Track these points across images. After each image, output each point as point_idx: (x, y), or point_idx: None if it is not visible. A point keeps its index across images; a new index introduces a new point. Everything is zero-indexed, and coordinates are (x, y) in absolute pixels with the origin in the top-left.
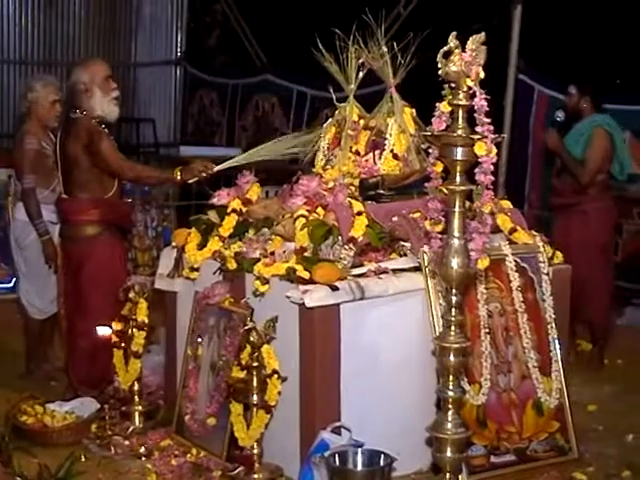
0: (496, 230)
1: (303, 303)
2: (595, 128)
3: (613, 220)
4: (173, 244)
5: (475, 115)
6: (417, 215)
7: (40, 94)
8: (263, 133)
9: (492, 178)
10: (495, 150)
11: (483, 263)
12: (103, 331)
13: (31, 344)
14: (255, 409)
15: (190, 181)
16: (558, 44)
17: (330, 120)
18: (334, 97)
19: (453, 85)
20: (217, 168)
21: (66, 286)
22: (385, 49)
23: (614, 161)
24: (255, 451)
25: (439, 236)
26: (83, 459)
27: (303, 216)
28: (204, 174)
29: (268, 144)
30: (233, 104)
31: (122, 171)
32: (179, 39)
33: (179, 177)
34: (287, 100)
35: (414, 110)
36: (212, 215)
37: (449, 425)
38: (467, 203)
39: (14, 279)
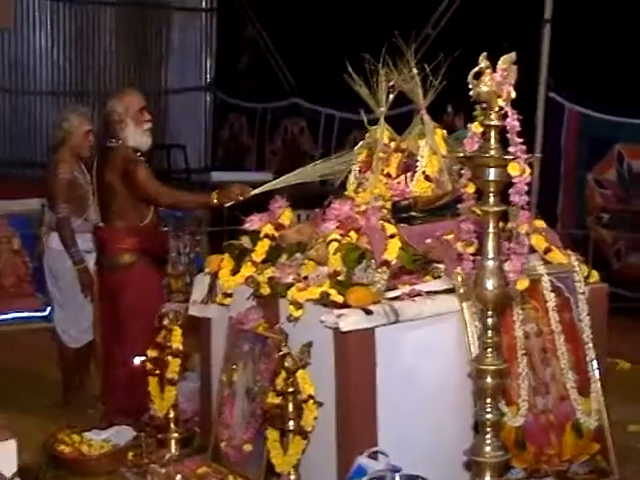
0: (531, 250)
1: (337, 327)
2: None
3: None
4: (206, 270)
5: (507, 135)
6: (450, 237)
7: (74, 124)
8: (292, 157)
9: (527, 198)
10: (529, 170)
11: (522, 284)
12: (139, 359)
13: (67, 373)
14: (291, 435)
15: (227, 205)
16: (588, 61)
17: (361, 143)
18: (365, 120)
19: (484, 105)
20: (254, 192)
21: (102, 314)
22: (415, 70)
23: None
24: (292, 477)
25: (471, 258)
26: None
27: (336, 240)
28: (241, 198)
29: (303, 168)
30: (262, 128)
31: (160, 197)
32: (209, 65)
33: (216, 201)
34: (315, 123)
35: (445, 131)
36: (245, 241)
37: (487, 448)
38: (501, 224)
39: (49, 308)
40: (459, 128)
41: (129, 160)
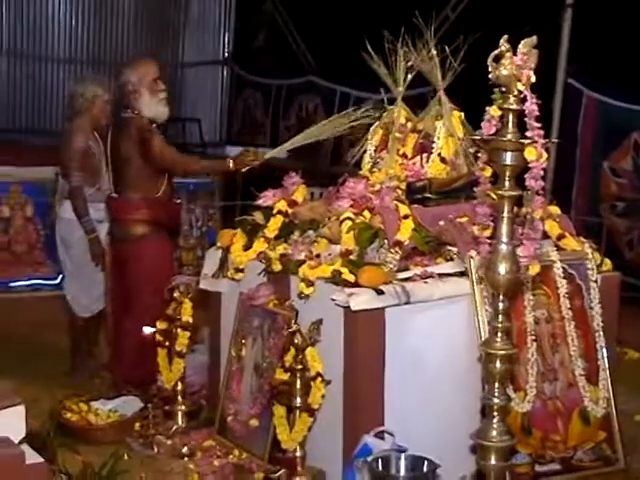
0: (544, 236)
1: (348, 306)
2: None
3: None
4: (218, 244)
5: (525, 119)
6: (464, 220)
7: (97, 93)
8: None
9: (542, 184)
10: (545, 155)
11: (534, 269)
12: (149, 330)
13: (76, 341)
14: (298, 412)
15: (243, 170)
16: (608, 48)
17: (377, 122)
18: (385, 99)
19: (503, 89)
20: (268, 155)
21: (113, 284)
22: (434, 51)
23: None
24: (298, 454)
25: (488, 241)
26: (126, 457)
27: (349, 219)
28: (256, 162)
29: (319, 125)
30: (277, 105)
31: (176, 164)
32: (227, 39)
33: (232, 166)
34: (330, 101)
35: (462, 114)
36: (258, 216)
37: (494, 432)
38: (515, 208)
39: (60, 276)
40: None
41: (144, 129)
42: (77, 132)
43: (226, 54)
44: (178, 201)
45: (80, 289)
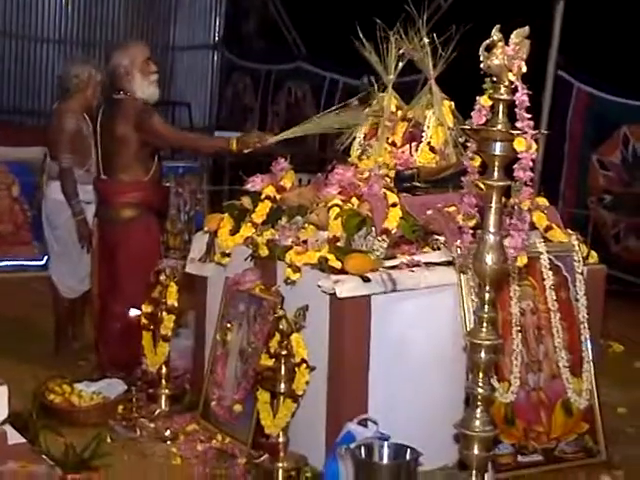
0: (531, 227)
1: (334, 293)
2: None
3: None
4: (205, 229)
5: (515, 110)
6: (452, 209)
7: (91, 74)
8: (295, 120)
9: (531, 174)
10: (535, 146)
11: (522, 260)
12: (134, 313)
13: (60, 323)
14: (282, 397)
15: (245, 151)
16: (599, 41)
17: (368, 110)
18: (375, 86)
19: (494, 79)
20: (272, 140)
21: (100, 267)
22: (426, 40)
23: None
24: (281, 439)
25: (471, 231)
26: (109, 440)
27: (337, 205)
28: (259, 145)
29: (322, 115)
30: (266, 90)
31: (179, 141)
32: (217, 24)
33: (235, 147)
34: (319, 88)
35: (453, 103)
36: (245, 201)
37: (477, 422)
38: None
39: (46, 257)
40: None
41: (142, 110)
42: (68, 113)
43: (216, 38)
44: (167, 184)
45: (66, 270)
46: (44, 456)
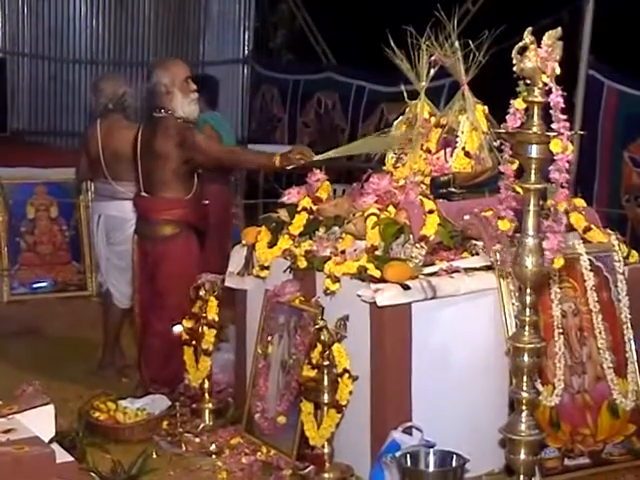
0: (570, 229)
1: (374, 302)
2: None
3: None
4: (243, 242)
5: (550, 112)
6: (489, 213)
7: (127, 90)
8: (325, 130)
9: (567, 176)
10: (571, 147)
11: (558, 263)
12: (177, 329)
13: (110, 334)
14: (326, 408)
15: (288, 168)
16: (628, 38)
17: (400, 118)
18: (405, 94)
19: (528, 81)
20: (316, 158)
21: (141, 283)
22: (457, 45)
23: None
24: (326, 450)
25: (510, 235)
26: (154, 456)
27: (374, 214)
28: (302, 162)
29: (368, 138)
30: (294, 100)
31: (223, 156)
32: (247, 38)
33: (278, 164)
34: (347, 96)
35: (486, 107)
36: (282, 213)
37: (523, 427)
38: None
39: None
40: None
41: (182, 127)
42: (110, 131)
43: (246, 52)
44: (207, 202)
45: (124, 280)
46: (92, 474)
